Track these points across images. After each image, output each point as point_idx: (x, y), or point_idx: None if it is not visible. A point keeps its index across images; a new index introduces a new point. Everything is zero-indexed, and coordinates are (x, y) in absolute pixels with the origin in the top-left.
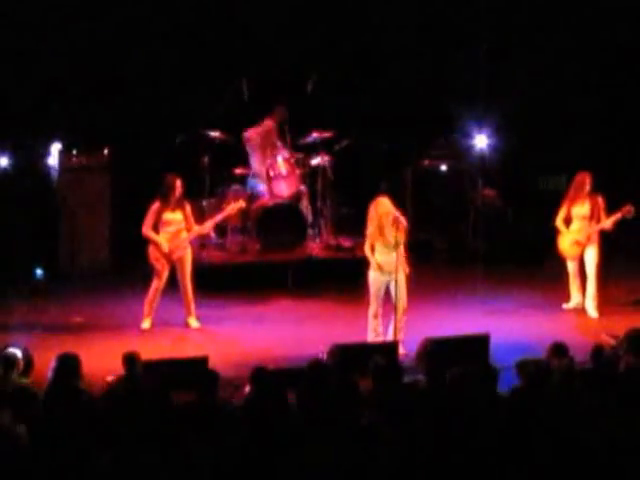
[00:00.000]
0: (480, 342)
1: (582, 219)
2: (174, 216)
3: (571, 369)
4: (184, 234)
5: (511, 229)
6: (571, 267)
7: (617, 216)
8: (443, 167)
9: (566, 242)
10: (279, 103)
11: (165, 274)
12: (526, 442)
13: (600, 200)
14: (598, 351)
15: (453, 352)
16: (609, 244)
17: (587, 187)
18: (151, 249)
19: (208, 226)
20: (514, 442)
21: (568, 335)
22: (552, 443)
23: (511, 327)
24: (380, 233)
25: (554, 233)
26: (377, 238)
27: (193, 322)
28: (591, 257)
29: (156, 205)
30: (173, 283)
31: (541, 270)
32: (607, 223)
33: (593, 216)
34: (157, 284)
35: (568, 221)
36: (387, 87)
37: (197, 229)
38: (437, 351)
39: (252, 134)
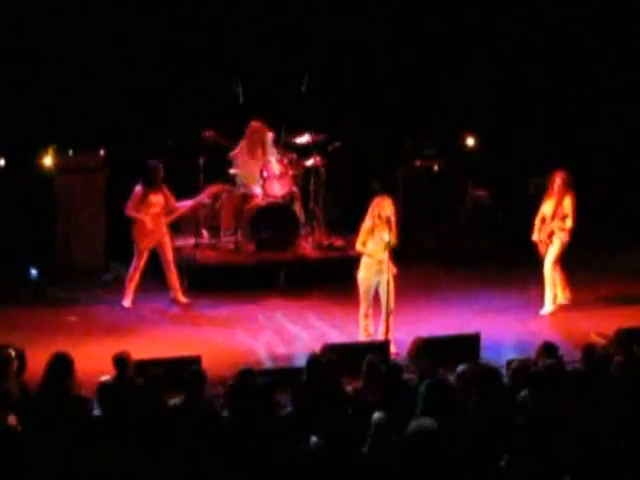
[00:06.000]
0: (471, 341)
1: (548, 218)
2: (157, 199)
3: (559, 369)
4: (164, 216)
5: (501, 229)
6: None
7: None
8: (435, 167)
9: (537, 243)
10: (254, 118)
11: (146, 253)
12: (516, 441)
13: (566, 199)
14: (589, 351)
15: (444, 351)
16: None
17: (556, 186)
18: (135, 228)
19: (185, 205)
20: (504, 440)
21: (558, 335)
22: (541, 442)
23: (501, 326)
24: (372, 232)
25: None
26: (369, 236)
27: (181, 297)
28: (549, 253)
29: (139, 189)
30: (164, 286)
31: (531, 269)
32: (554, 226)
33: (555, 215)
34: (137, 262)
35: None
36: (379, 86)
37: (174, 211)
38: (428, 350)
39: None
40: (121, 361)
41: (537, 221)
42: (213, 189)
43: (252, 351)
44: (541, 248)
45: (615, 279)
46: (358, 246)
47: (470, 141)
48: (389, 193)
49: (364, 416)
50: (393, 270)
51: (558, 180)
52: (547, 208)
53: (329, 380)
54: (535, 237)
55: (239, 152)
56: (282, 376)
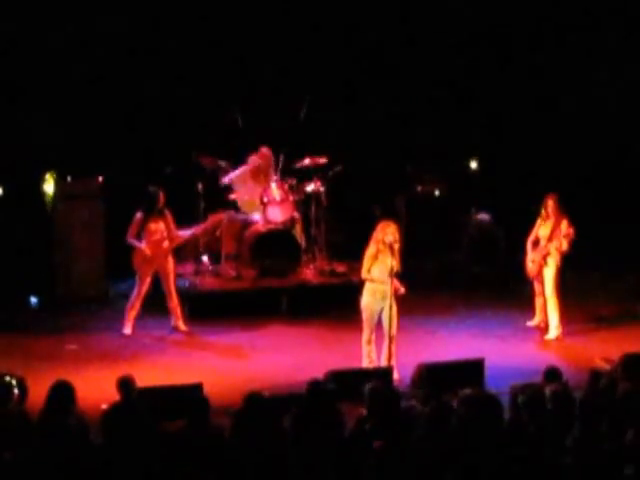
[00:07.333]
0: (475, 367)
1: (543, 240)
2: (157, 226)
3: (564, 394)
4: (166, 243)
5: (504, 253)
6: (535, 286)
7: (560, 241)
8: (436, 192)
9: (527, 262)
10: (262, 144)
11: (148, 280)
12: (522, 467)
13: (563, 222)
14: (595, 377)
15: (448, 377)
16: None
17: (550, 209)
18: (135, 256)
19: (188, 233)
20: (510, 467)
21: (563, 359)
22: (546, 468)
23: (506, 352)
24: (376, 258)
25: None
26: (373, 262)
27: (182, 325)
28: (547, 277)
29: (139, 215)
30: (165, 314)
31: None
32: (550, 247)
33: (552, 237)
34: (139, 289)
35: (538, 242)
36: (379, 111)
37: (175, 239)
38: (432, 376)
39: (233, 176)
40: (125, 385)
41: (529, 244)
42: (210, 222)
43: (254, 378)
44: (532, 269)
45: (615, 301)
46: (364, 274)
47: (473, 164)
48: (393, 218)
49: (366, 443)
50: (401, 289)
51: (551, 203)
52: (543, 231)
53: (329, 406)
54: (528, 257)
55: (241, 177)
56: (285, 403)
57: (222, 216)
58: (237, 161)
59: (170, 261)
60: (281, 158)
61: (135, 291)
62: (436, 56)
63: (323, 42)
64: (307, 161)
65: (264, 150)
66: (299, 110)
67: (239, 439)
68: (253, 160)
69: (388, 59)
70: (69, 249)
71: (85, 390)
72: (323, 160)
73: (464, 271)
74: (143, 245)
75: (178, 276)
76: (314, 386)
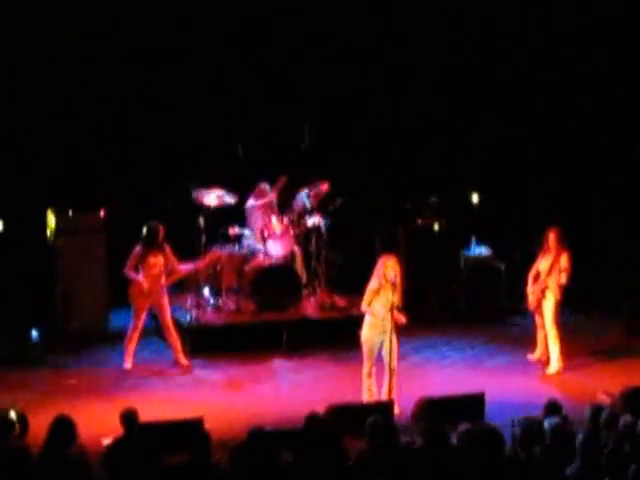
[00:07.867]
0: (475, 401)
1: (543, 273)
2: (156, 260)
3: (564, 427)
4: (163, 278)
5: (505, 286)
6: (537, 319)
7: (559, 275)
8: (435, 226)
9: (528, 294)
10: (282, 174)
11: (143, 314)
12: None
13: (563, 256)
14: (596, 411)
15: (449, 411)
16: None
17: (551, 242)
18: (132, 289)
19: (188, 267)
20: None
21: (564, 393)
22: None
23: (506, 386)
24: (378, 293)
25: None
26: (375, 296)
27: (182, 359)
28: (546, 311)
29: (138, 249)
30: (164, 347)
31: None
32: (549, 281)
33: (552, 271)
34: (135, 323)
35: (539, 275)
36: (378, 145)
37: (174, 273)
38: (433, 411)
39: (255, 203)
40: (129, 418)
41: (530, 277)
42: (209, 259)
43: (254, 412)
44: (532, 301)
45: (615, 334)
46: (364, 307)
47: (475, 198)
48: (394, 252)
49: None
50: (402, 319)
51: (552, 236)
52: (543, 264)
53: (328, 438)
54: (529, 290)
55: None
56: (286, 437)
57: (221, 253)
58: (240, 193)
59: (165, 295)
60: (276, 192)
61: (131, 325)
62: (436, 88)
63: (322, 75)
64: (309, 195)
65: (262, 186)
66: (300, 143)
67: (239, 473)
68: (271, 195)
69: (386, 92)
70: (71, 283)
71: (86, 424)
72: (325, 186)
73: (464, 304)
74: (141, 278)
75: (179, 309)
76: (312, 419)
